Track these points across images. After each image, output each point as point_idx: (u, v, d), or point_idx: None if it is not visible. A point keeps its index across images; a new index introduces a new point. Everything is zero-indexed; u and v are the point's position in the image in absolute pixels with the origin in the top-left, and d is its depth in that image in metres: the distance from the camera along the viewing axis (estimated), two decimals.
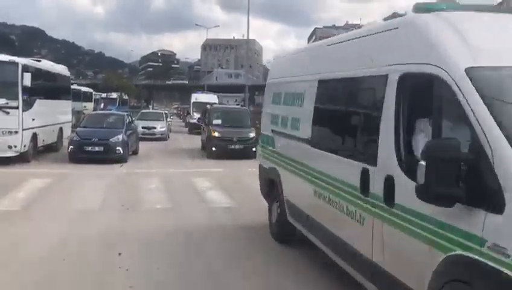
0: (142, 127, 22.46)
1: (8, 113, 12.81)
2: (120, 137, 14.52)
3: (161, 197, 9.51)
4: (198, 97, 32.69)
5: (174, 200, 9.20)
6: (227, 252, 6.02)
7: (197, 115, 26.85)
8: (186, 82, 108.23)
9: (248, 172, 11.24)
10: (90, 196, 9.26)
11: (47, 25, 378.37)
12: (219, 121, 17.31)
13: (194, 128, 26.62)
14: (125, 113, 17.84)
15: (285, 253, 5.97)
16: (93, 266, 5.36)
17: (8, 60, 13.35)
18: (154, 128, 23.73)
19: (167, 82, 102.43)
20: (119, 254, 5.75)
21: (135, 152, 16.52)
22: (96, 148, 14.14)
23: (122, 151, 14.31)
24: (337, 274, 4.71)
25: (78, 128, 15.48)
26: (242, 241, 6.51)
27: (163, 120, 25.21)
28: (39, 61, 16.41)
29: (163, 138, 23.83)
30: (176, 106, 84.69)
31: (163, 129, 24.24)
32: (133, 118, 35.32)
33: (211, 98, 32.42)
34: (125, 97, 50.74)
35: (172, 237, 6.61)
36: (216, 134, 16.29)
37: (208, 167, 14.17)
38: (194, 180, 11.58)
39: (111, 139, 14.30)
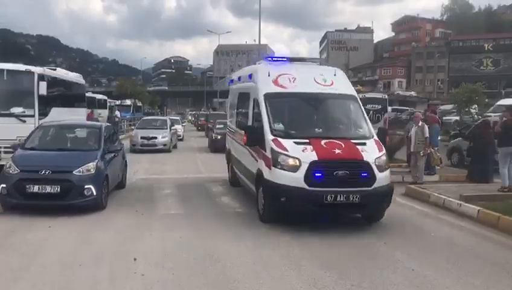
0: (141, 138, 20.42)
1: (24, 121, 13.01)
2: (92, 166, 8.46)
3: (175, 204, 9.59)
4: (294, 76, 8.82)
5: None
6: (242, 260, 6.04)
7: (294, 151, 7.42)
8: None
9: None
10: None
11: (62, 34, 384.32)
12: None
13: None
14: (104, 124, 11.19)
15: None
16: (109, 271, 5.44)
17: (24, 69, 13.56)
18: (155, 138, 20.55)
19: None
20: (135, 259, 5.81)
21: (120, 185, 10.73)
22: (48, 189, 8.02)
23: (95, 193, 8.26)
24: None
25: (18, 152, 9.10)
26: (258, 248, 6.53)
27: (167, 128, 21.93)
28: (54, 69, 16.63)
29: (165, 149, 20.66)
30: (193, 112, 76.48)
31: (165, 139, 20.91)
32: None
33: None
34: (139, 104, 51.18)
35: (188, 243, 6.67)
36: None
37: None
38: None
39: (75, 172, 8.24)
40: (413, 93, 68.66)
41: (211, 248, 6.38)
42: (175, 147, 22.69)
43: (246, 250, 6.35)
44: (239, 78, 11.09)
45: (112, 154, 9.83)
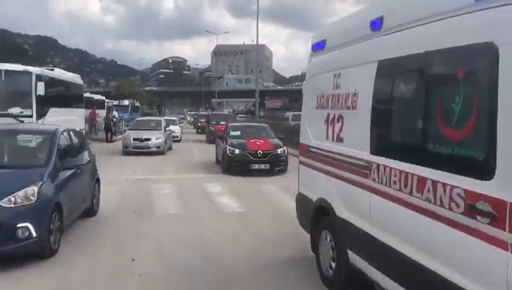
0: (134, 139, 19.43)
1: (22, 121, 13.01)
2: (32, 192, 5.73)
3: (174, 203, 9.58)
4: None
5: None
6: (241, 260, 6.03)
7: None
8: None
9: None
10: (103, 202, 9.32)
11: (60, 34, 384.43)
12: None
13: None
14: (61, 128, 7.41)
15: None
16: (107, 271, 5.43)
17: (22, 69, 13.57)
18: (149, 140, 19.44)
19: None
20: (133, 259, 5.81)
21: (89, 213, 7.95)
22: None
23: (35, 233, 5.53)
24: None
25: None
26: (257, 248, 6.52)
27: (161, 129, 20.64)
28: (52, 70, 16.65)
29: (159, 151, 19.48)
30: (192, 112, 72.10)
31: (159, 141, 19.70)
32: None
33: None
34: (137, 104, 51.14)
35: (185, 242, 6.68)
36: None
37: None
38: None
39: (1, 202, 5.48)
40: None
41: (209, 248, 6.36)
42: (170, 148, 21.61)
43: (244, 250, 6.33)
44: (375, 23, 4.12)
45: (72, 172, 6.86)
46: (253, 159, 13.21)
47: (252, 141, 13.90)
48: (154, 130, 20.34)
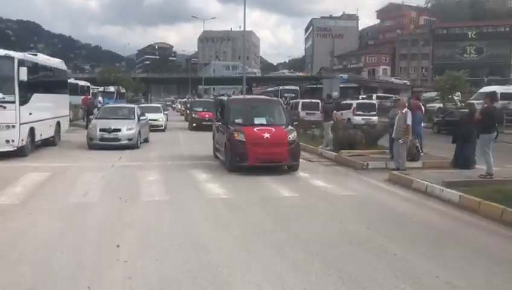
0: (101, 130, 16.28)
1: (4, 107, 12.82)
2: None
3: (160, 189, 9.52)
4: None
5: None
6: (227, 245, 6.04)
7: None
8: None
9: None
10: (88, 189, 9.27)
11: (43, 19, 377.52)
12: None
13: None
14: None
15: None
16: (91, 258, 5.39)
17: (4, 54, 13.30)
18: (118, 130, 16.39)
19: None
20: (118, 246, 5.77)
21: None
22: None
23: None
24: None
25: None
26: (243, 235, 6.53)
27: (134, 118, 17.50)
28: (35, 55, 16.36)
29: (131, 145, 16.40)
30: (183, 99, 64.41)
31: (131, 132, 16.53)
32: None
33: None
34: (123, 91, 50.63)
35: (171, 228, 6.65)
36: None
37: None
38: None
39: None
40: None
41: (194, 235, 6.36)
42: (146, 140, 18.72)
43: (230, 236, 6.35)
44: None
45: None
46: None
47: None
48: (125, 119, 17.33)
